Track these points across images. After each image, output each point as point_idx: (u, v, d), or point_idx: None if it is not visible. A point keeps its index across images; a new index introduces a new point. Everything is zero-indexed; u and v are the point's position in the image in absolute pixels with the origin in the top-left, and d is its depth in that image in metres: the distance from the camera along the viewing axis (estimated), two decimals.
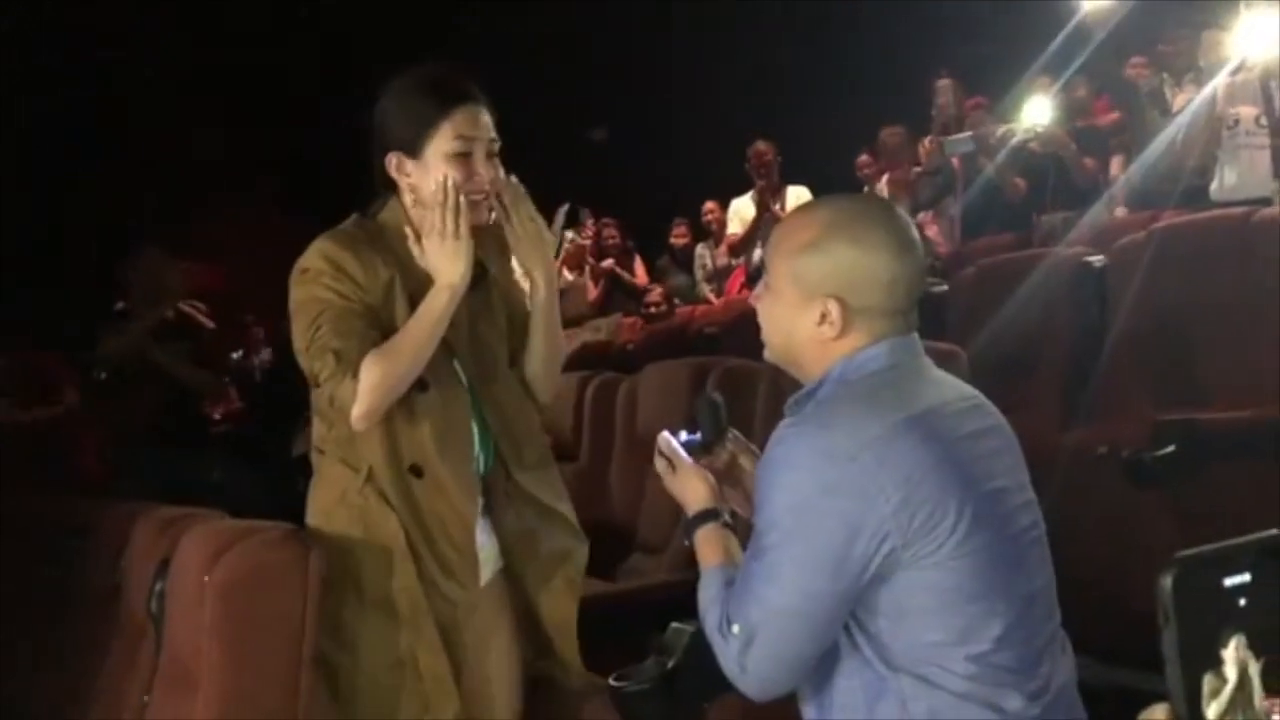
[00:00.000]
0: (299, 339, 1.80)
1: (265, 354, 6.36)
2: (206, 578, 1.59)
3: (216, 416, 5.20)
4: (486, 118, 1.84)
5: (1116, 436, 2.77)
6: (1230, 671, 0.64)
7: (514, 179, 1.90)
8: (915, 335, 1.47)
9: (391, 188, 1.88)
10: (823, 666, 1.37)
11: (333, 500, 1.83)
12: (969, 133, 5.55)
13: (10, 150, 6.57)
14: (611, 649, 1.87)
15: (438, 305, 1.78)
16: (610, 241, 7.09)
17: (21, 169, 6.70)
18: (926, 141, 5.79)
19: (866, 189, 6.26)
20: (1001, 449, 1.44)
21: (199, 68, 7.60)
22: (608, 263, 6.94)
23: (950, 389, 1.45)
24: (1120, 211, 4.90)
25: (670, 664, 1.61)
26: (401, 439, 1.80)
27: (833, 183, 6.36)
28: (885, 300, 1.42)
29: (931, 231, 5.69)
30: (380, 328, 1.79)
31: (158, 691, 1.89)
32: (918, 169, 5.97)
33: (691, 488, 1.54)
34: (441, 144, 1.80)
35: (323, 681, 1.74)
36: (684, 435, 1.60)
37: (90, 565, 2.49)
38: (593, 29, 7.73)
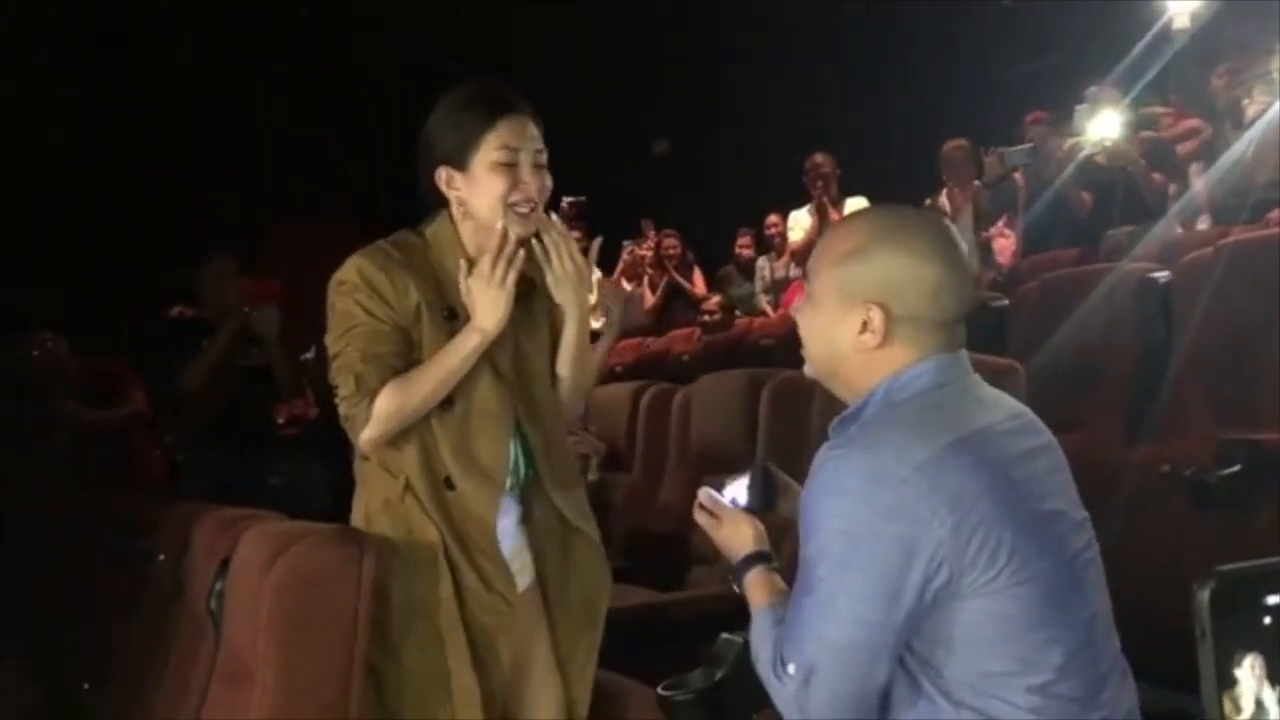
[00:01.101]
0: (330, 348, 1.86)
1: None
2: (265, 577, 1.62)
3: (281, 420, 5.27)
4: (533, 128, 1.86)
5: (1180, 455, 2.72)
6: (1246, 701, 0.62)
7: (556, 218, 1.92)
8: (963, 352, 1.43)
9: (442, 203, 1.91)
10: (883, 703, 1.32)
11: (375, 506, 1.86)
12: (1028, 145, 5.49)
13: (60, 150, 6.74)
14: (661, 658, 1.88)
15: (467, 346, 1.81)
16: (670, 252, 7.12)
17: (71, 170, 6.87)
18: (987, 155, 5.73)
19: (928, 202, 6.20)
20: (1053, 468, 1.40)
21: (264, 74, 7.74)
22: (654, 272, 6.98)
23: (1000, 408, 1.41)
24: (1203, 222, 4.76)
25: (718, 675, 1.61)
26: (433, 452, 1.83)
27: (893, 195, 6.34)
28: (930, 309, 1.38)
29: (998, 245, 5.62)
30: (410, 346, 1.83)
31: (216, 687, 1.94)
32: (978, 183, 5.91)
33: (740, 533, 1.52)
34: (487, 155, 1.82)
35: (371, 685, 1.77)
36: (729, 496, 1.57)
37: (154, 564, 2.55)
38: (657, 40, 7.77)
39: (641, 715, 1.96)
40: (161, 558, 2.49)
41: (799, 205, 6.40)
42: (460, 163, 1.84)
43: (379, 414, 1.77)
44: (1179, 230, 4.64)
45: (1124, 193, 5.11)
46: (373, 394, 1.78)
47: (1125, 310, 3.23)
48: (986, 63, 6.95)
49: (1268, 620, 0.64)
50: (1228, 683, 0.63)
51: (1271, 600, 0.66)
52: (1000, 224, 5.66)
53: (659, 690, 1.67)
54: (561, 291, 1.90)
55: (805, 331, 1.49)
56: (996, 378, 2.37)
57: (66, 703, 2.51)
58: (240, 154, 7.63)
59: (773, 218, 6.79)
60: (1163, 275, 3.19)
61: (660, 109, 8.11)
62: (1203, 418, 2.94)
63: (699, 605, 2.70)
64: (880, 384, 1.38)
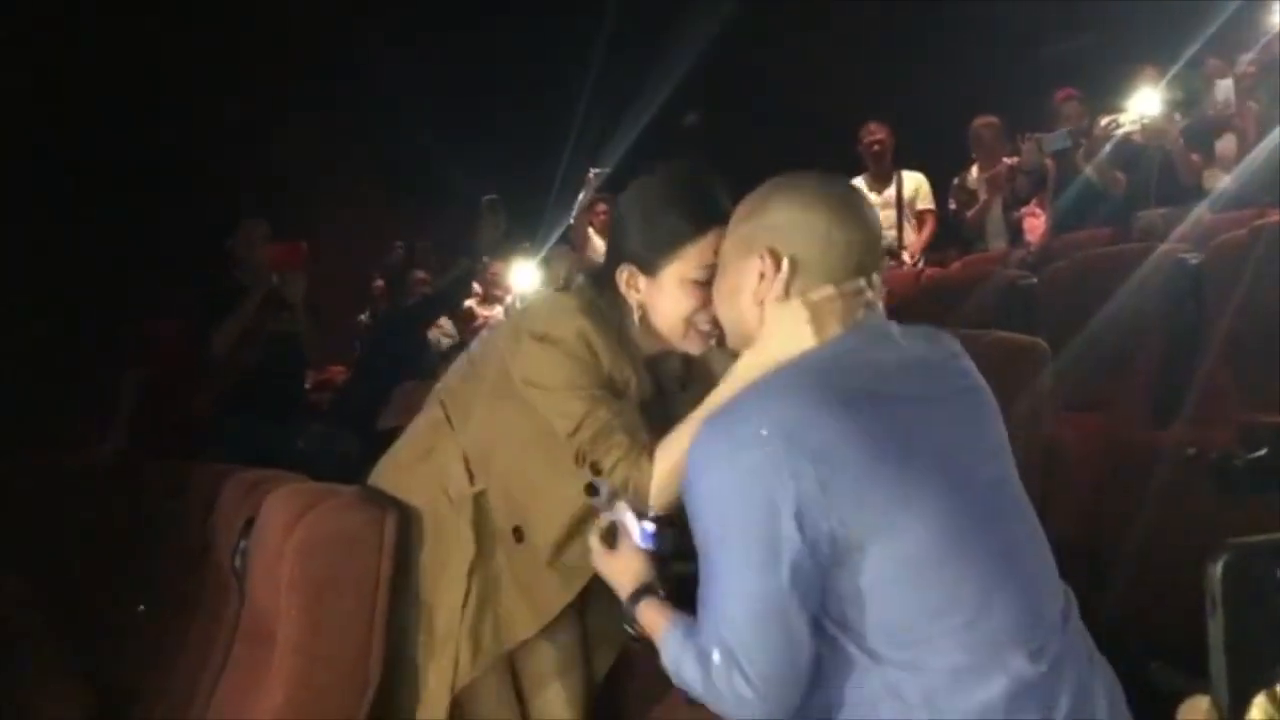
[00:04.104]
0: (571, 416, 1.68)
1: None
2: (288, 537, 1.64)
3: (309, 385, 5.31)
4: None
5: (1207, 439, 2.69)
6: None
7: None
8: (877, 318, 1.41)
9: (607, 287, 1.75)
10: (816, 677, 1.30)
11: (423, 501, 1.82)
12: (1065, 130, 5.42)
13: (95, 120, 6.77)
14: None
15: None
16: None
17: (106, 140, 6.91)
18: (1024, 139, 5.66)
19: (956, 182, 6.15)
20: (967, 410, 1.38)
21: (294, 46, 7.74)
22: None
23: (904, 351, 1.39)
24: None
25: None
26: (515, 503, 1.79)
27: (938, 166, 6.27)
28: (828, 257, 1.37)
29: (1028, 224, 5.57)
30: None
31: (239, 644, 1.97)
32: (1010, 161, 5.85)
33: (633, 568, 1.51)
34: (683, 269, 1.65)
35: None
36: (647, 527, 1.54)
37: (182, 524, 2.59)
38: (694, 10, 7.70)
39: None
40: (189, 519, 2.53)
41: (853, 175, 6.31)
42: (650, 269, 1.68)
43: (663, 471, 1.61)
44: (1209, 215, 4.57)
45: (1160, 173, 5.04)
46: (649, 449, 1.64)
47: (1156, 292, 3.20)
48: (1022, 40, 6.86)
49: None
50: (1259, 660, 0.62)
51: None
52: (1032, 203, 5.60)
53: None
54: None
55: (715, 299, 1.51)
56: (1018, 355, 2.37)
57: (88, 658, 2.55)
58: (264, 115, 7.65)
59: None
60: (1194, 257, 3.15)
61: (703, 83, 8.03)
62: (1232, 401, 2.91)
63: None
64: None
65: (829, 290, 1.38)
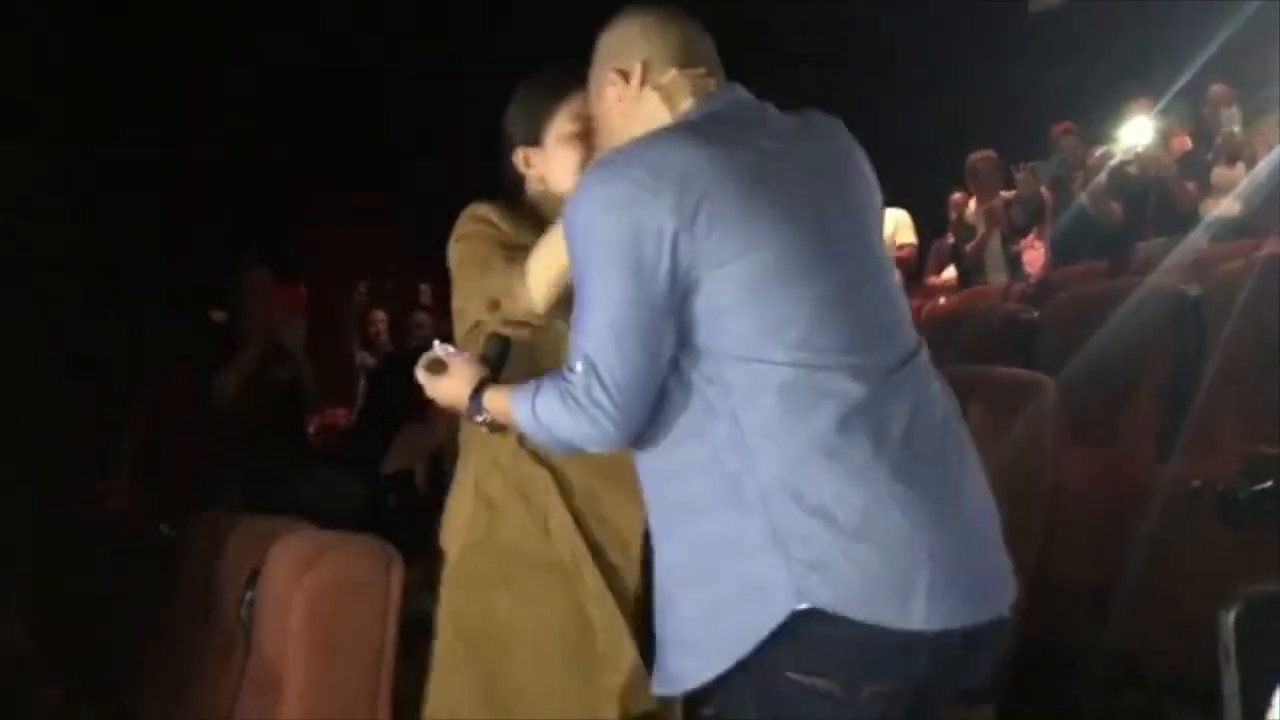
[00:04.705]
0: (465, 290, 1.88)
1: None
2: (295, 587, 1.64)
3: (312, 429, 5.31)
4: None
5: (1211, 471, 2.69)
6: None
7: None
8: (736, 93, 1.52)
9: (520, 189, 1.96)
10: (662, 407, 1.39)
11: (484, 467, 1.85)
12: (1061, 157, 5.46)
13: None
14: None
15: None
16: None
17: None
18: (1019, 169, 5.71)
19: (954, 216, 6.19)
20: (823, 158, 1.49)
21: (302, 84, 7.79)
22: None
23: (770, 115, 1.50)
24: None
25: None
26: None
27: (921, 203, 6.33)
28: (663, 51, 1.52)
29: (1028, 256, 5.60)
30: None
31: (246, 695, 1.96)
32: (1006, 194, 5.89)
33: (465, 374, 1.60)
34: (559, 128, 1.88)
35: (466, 660, 1.77)
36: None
37: (187, 569, 2.59)
38: None
39: None
40: (194, 564, 2.52)
41: None
42: (535, 139, 1.91)
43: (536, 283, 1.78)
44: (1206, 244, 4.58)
45: (1156, 203, 5.06)
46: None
47: (1157, 324, 3.20)
48: (1013, 72, 6.91)
49: None
50: (1256, 710, 0.62)
51: None
52: (1031, 235, 5.63)
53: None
54: None
55: (599, 143, 1.64)
56: (1024, 391, 2.38)
57: (93, 705, 2.54)
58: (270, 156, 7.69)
59: None
60: (1194, 290, 3.17)
61: None
62: (1235, 433, 2.92)
63: None
64: None
65: (672, 72, 1.51)
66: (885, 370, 1.37)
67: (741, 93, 1.53)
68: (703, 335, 1.36)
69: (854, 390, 1.33)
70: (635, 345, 1.35)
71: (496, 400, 1.55)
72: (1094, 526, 2.97)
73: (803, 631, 1.28)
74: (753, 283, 1.34)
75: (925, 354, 1.45)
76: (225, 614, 2.19)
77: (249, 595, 1.98)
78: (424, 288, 6.66)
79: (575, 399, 1.37)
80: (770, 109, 1.53)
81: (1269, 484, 2.33)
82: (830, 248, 1.40)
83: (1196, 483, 2.65)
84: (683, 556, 1.39)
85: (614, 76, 1.55)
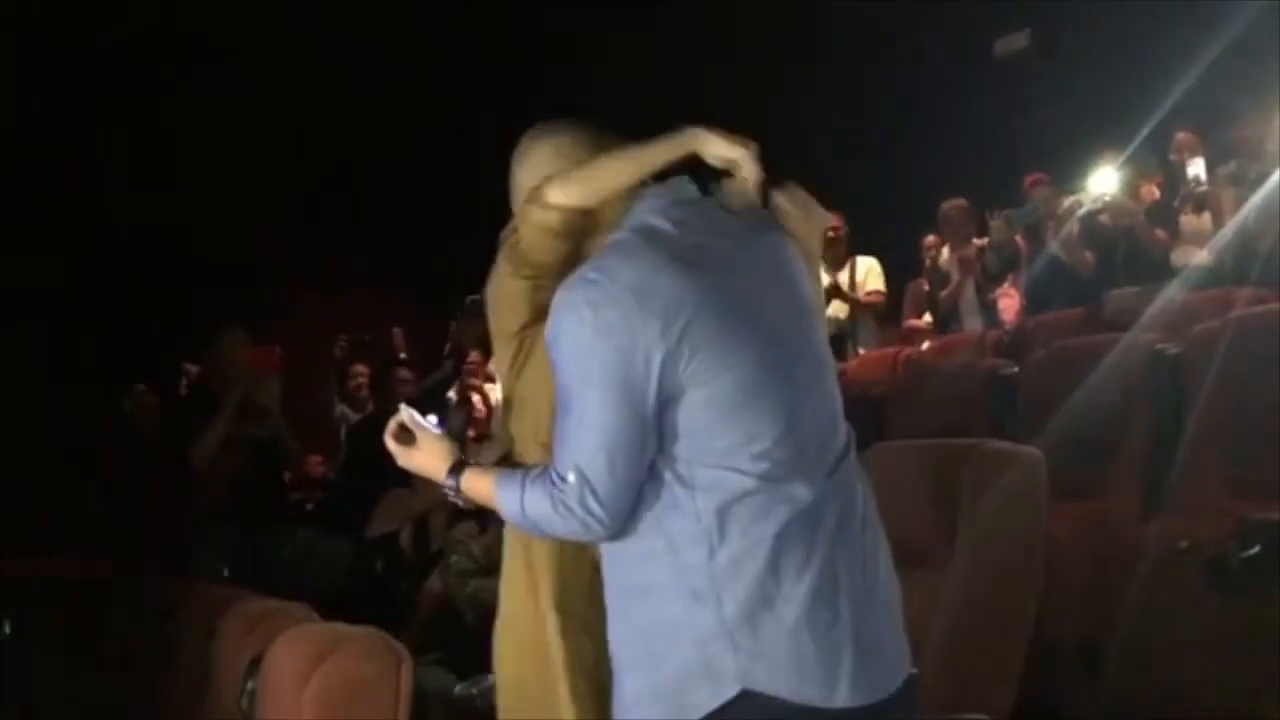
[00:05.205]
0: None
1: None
2: (303, 687, 1.63)
3: (288, 478, 5.28)
4: None
5: (1197, 530, 2.74)
6: None
7: None
8: (685, 189, 1.59)
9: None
10: (640, 506, 1.48)
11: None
12: (1035, 206, 5.55)
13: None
14: None
15: None
16: None
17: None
18: (993, 216, 5.79)
19: (927, 263, 6.27)
20: (777, 273, 1.57)
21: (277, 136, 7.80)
22: None
23: (738, 228, 1.58)
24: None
25: None
26: None
27: (895, 252, 6.41)
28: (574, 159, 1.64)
29: (1003, 304, 5.67)
30: None
31: None
32: (979, 242, 5.97)
33: (438, 450, 1.67)
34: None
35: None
36: (431, 419, 1.71)
37: (179, 648, 2.56)
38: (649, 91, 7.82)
39: None
40: (187, 643, 2.50)
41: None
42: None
43: None
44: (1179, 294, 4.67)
45: (1126, 251, 5.15)
46: None
47: (1137, 382, 3.26)
48: (984, 120, 7.03)
49: None
50: None
51: None
52: (1006, 283, 5.71)
53: None
54: None
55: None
56: (1013, 464, 2.39)
57: None
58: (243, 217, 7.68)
59: None
60: (1172, 347, 3.22)
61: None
62: (1217, 490, 2.96)
63: None
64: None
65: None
66: (826, 473, 1.51)
67: (688, 189, 1.61)
68: (678, 443, 1.47)
69: (802, 496, 1.47)
70: (624, 459, 1.46)
71: (477, 485, 1.63)
72: (1080, 583, 3.00)
73: (739, 711, 1.42)
74: (728, 401, 1.46)
75: (852, 449, 1.58)
76: (222, 700, 2.17)
77: (249, 684, 1.96)
78: (396, 331, 6.67)
79: (567, 506, 1.47)
80: (713, 205, 1.60)
81: (1258, 549, 2.38)
82: (788, 353, 1.52)
83: (1184, 543, 2.70)
84: (633, 637, 1.51)
85: (540, 193, 1.64)
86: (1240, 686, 2.57)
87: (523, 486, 1.52)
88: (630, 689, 1.51)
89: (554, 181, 1.65)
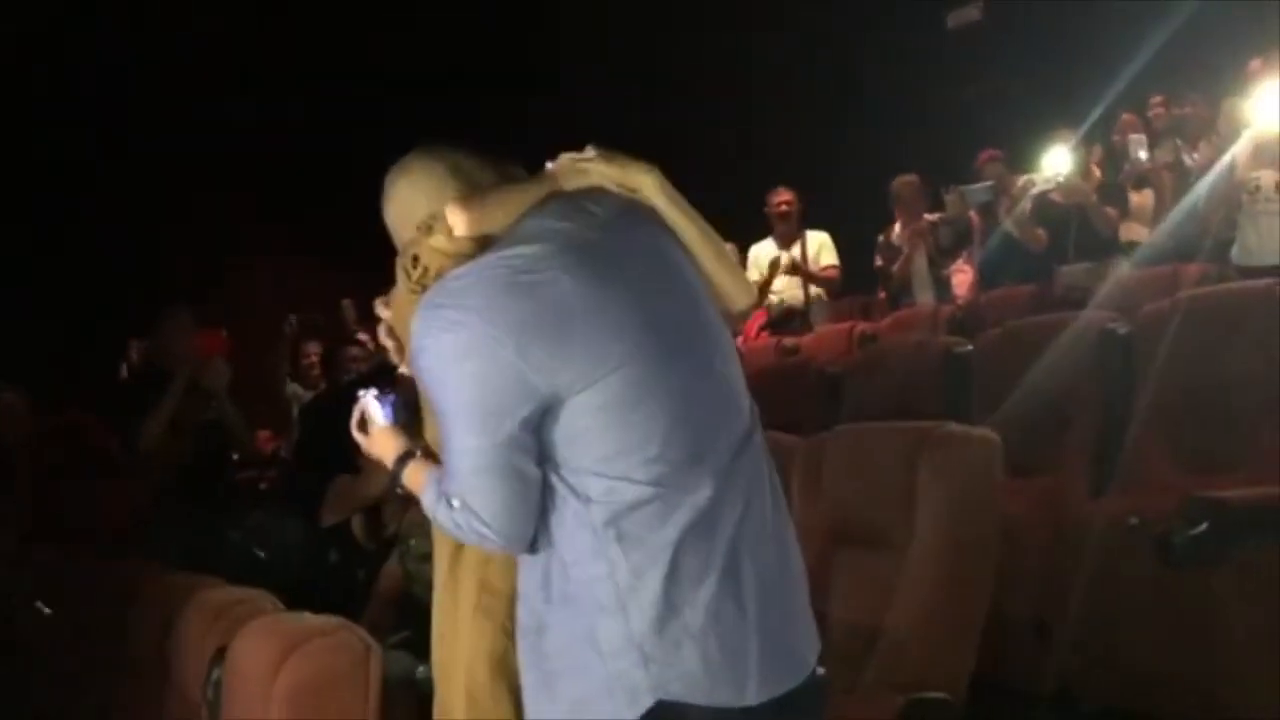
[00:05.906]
0: None
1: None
2: (272, 680, 1.63)
3: (236, 457, 5.20)
4: None
5: (1146, 507, 2.80)
6: None
7: None
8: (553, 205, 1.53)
9: None
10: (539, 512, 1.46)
11: None
12: (989, 182, 5.60)
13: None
14: None
15: None
16: None
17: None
18: (947, 191, 5.85)
19: (881, 238, 6.32)
20: (654, 263, 1.50)
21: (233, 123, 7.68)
22: None
23: (600, 220, 1.51)
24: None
25: None
26: None
27: (846, 228, 6.45)
28: (451, 189, 1.56)
29: (956, 279, 5.73)
30: None
31: None
32: (932, 217, 6.02)
33: (389, 441, 1.69)
34: None
35: None
36: (387, 409, 1.74)
37: (138, 636, 2.53)
38: (615, 80, 7.78)
39: None
40: (146, 631, 2.47)
41: (756, 239, 6.46)
42: None
43: None
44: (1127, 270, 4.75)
45: (1078, 228, 5.23)
46: None
47: (1087, 360, 3.32)
48: (938, 93, 7.07)
49: None
50: None
51: None
52: (960, 259, 5.76)
53: None
54: None
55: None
56: (971, 446, 2.43)
57: None
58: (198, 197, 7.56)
59: (729, 246, 6.83)
60: (1122, 328, 3.28)
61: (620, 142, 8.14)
62: (1166, 467, 3.03)
63: None
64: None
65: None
66: (726, 464, 1.45)
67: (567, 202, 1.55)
68: (564, 451, 1.43)
69: (700, 497, 1.42)
70: (499, 481, 1.42)
71: (413, 478, 1.63)
72: (1032, 559, 3.05)
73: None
74: (610, 405, 1.41)
75: (757, 427, 1.53)
76: (184, 689, 2.16)
77: (214, 674, 1.95)
78: (347, 302, 6.58)
79: (459, 525, 1.47)
80: (580, 205, 1.54)
81: (1204, 527, 2.44)
82: (674, 340, 1.46)
83: (1134, 520, 2.76)
84: (547, 653, 1.47)
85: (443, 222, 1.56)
86: (1187, 659, 2.64)
87: (435, 498, 1.51)
88: (545, 705, 1.48)
89: (459, 210, 1.57)
